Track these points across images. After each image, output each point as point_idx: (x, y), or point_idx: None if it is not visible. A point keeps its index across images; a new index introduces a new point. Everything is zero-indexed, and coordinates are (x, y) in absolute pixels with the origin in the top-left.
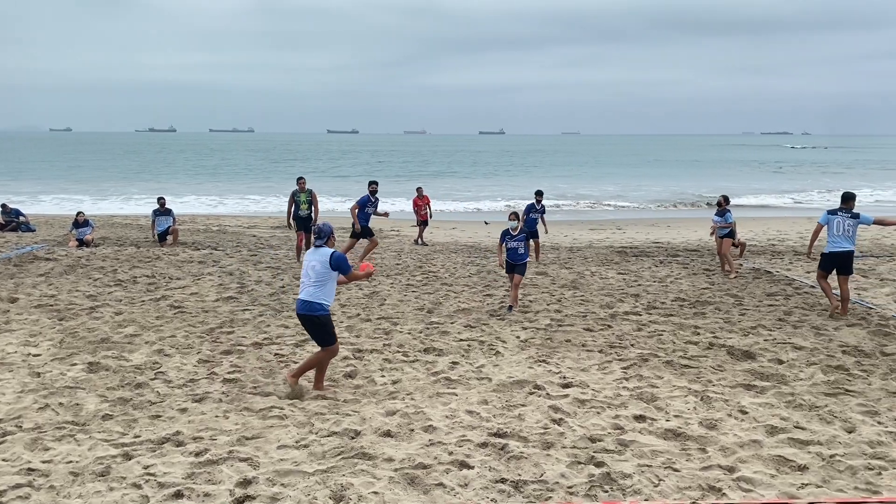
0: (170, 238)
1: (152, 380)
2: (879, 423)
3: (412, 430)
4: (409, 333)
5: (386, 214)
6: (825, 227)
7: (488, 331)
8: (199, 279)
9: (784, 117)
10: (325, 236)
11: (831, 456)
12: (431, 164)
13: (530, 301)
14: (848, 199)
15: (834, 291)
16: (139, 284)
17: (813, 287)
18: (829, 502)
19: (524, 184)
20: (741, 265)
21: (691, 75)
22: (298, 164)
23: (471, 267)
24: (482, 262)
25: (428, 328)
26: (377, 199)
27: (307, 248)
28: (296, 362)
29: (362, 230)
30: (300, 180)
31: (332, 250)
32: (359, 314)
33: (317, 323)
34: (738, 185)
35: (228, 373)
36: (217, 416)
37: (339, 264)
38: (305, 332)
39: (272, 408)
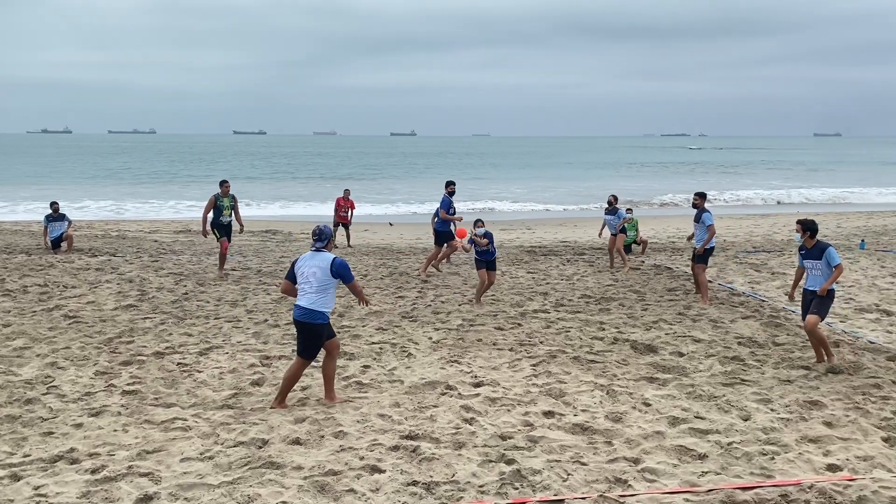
0: (64, 245)
1: (44, 395)
2: (772, 410)
3: (322, 436)
4: None
5: (460, 219)
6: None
7: (400, 333)
8: (96, 287)
9: (683, 119)
10: (326, 239)
11: (729, 444)
12: (343, 165)
13: (442, 302)
14: (700, 196)
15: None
16: (30, 294)
17: (710, 282)
18: (727, 488)
19: (437, 185)
20: (643, 262)
21: (595, 79)
22: (204, 167)
23: (382, 269)
24: (394, 264)
25: (339, 332)
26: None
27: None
28: (200, 371)
29: (441, 235)
30: (224, 184)
31: (334, 256)
32: (266, 319)
33: (314, 332)
34: (644, 185)
35: (128, 384)
36: (115, 431)
37: (340, 272)
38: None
39: (175, 419)
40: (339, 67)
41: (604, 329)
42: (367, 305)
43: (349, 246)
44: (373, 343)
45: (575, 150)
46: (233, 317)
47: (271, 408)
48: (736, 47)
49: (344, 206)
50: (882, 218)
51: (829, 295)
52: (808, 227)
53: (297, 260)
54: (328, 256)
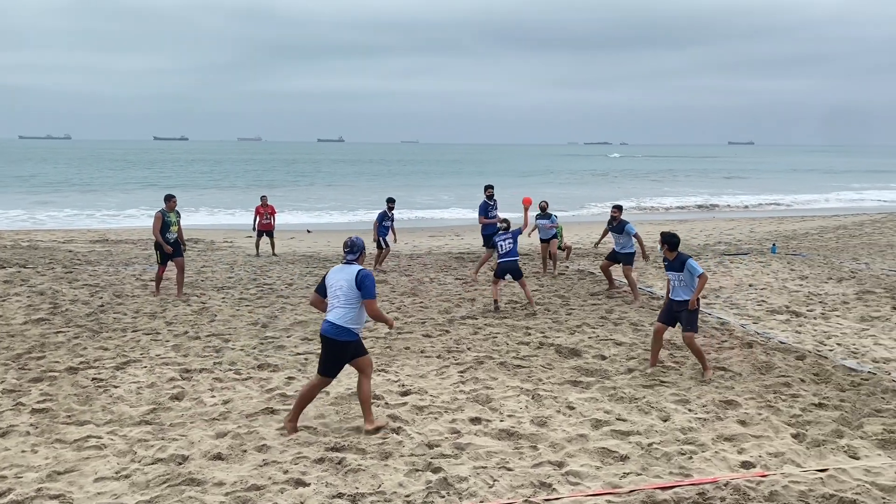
0: None
1: None
2: (690, 410)
3: (244, 450)
4: (242, 350)
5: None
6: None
7: None
8: (3, 300)
9: (605, 128)
10: (359, 251)
11: (649, 444)
12: (269, 172)
13: None
14: (618, 209)
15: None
16: None
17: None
18: (648, 488)
19: (365, 192)
20: (567, 267)
21: (521, 87)
22: (123, 174)
23: (309, 277)
24: (321, 272)
25: (262, 343)
26: (495, 202)
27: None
28: (116, 386)
29: (486, 239)
30: (171, 199)
31: (360, 267)
32: (187, 332)
33: (338, 349)
34: (568, 192)
35: (38, 402)
36: (24, 452)
37: (363, 282)
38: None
39: (88, 437)
40: (266, 72)
41: (530, 334)
42: (390, 328)
43: (274, 254)
44: (298, 354)
45: (502, 157)
46: (151, 329)
47: (281, 427)
48: (656, 58)
49: (264, 213)
50: (792, 223)
51: (697, 306)
52: (666, 239)
53: (327, 273)
54: (355, 268)
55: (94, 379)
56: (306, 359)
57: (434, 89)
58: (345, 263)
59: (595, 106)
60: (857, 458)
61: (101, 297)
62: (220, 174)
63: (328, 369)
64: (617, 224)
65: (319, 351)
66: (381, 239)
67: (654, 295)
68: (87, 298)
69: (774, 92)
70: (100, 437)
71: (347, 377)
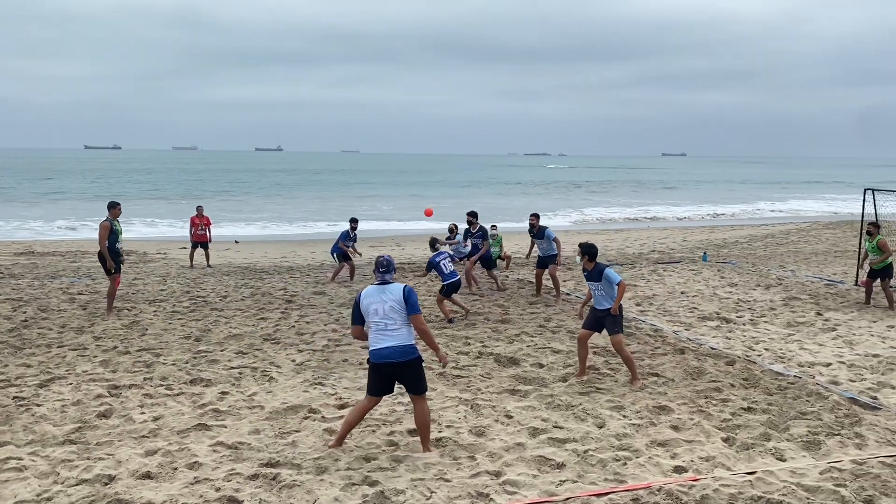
0: None
1: None
2: (625, 416)
3: (175, 468)
4: (174, 364)
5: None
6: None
7: (262, 356)
8: None
9: (544, 139)
10: (394, 270)
11: (585, 451)
12: (205, 181)
13: (307, 323)
14: (535, 216)
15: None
16: None
17: (568, 294)
18: (583, 496)
19: (303, 203)
20: (507, 277)
21: (462, 98)
22: (51, 183)
23: (244, 290)
24: (256, 283)
25: (195, 357)
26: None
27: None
28: (39, 405)
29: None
30: (116, 207)
31: (403, 284)
32: (116, 346)
33: (419, 365)
34: (508, 202)
35: None
36: None
37: (410, 297)
38: (381, 386)
39: (8, 459)
40: (203, 80)
41: (469, 344)
42: (441, 362)
43: (208, 266)
44: (232, 368)
45: (444, 167)
46: (78, 344)
47: (215, 443)
48: (594, 72)
49: (199, 224)
50: (722, 232)
51: (619, 311)
52: (585, 250)
53: (359, 298)
54: (399, 286)
55: (14, 398)
56: (240, 373)
57: (375, 99)
58: (381, 284)
59: (535, 117)
60: (784, 460)
61: (25, 312)
62: (154, 184)
63: (424, 385)
64: (537, 231)
65: (250, 365)
66: (336, 255)
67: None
68: (10, 313)
69: (706, 105)
70: (20, 459)
71: (283, 391)
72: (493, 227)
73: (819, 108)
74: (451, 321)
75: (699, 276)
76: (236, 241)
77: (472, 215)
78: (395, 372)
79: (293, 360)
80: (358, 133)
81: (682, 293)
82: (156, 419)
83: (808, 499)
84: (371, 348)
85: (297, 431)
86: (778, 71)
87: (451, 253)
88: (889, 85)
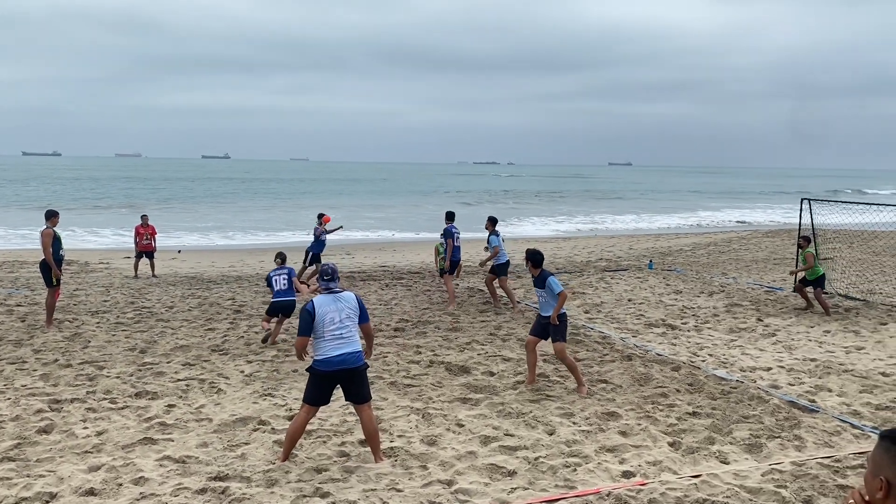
0: None
1: None
2: (574, 423)
3: (120, 484)
4: (119, 377)
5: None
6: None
7: (210, 368)
8: None
9: (493, 148)
10: (339, 277)
11: (536, 458)
12: (149, 189)
13: (256, 333)
14: (491, 221)
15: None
16: None
17: (519, 302)
18: (535, 502)
19: (252, 211)
20: (457, 285)
21: (413, 107)
22: None
23: (191, 300)
24: (204, 294)
25: (140, 370)
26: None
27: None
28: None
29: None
30: (55, 215)
31: (352, 292)
32: (57, 360)
33: (365, 373)
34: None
35: None
36: None
37: (364, 306)
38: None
39: None
40: (148, 86)
41: (420, 353)
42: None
43: (154, 276)
44: (178, 380)
45: (395, 175)
46: (17, 358)
47: (161, 458)
48: (543, 82)
49: (144, 234)
50: (667, 240)
51: (562, 319)
52: (529, 256)
53: (312, 309)
54: (351, 294)
55: None
56: (188, 385)
57: (325, 107)
58: (332, 292)
59: (484, 126)
60: (727, 463)
61: None
62: (96, 192)
63: (326, 398)
64: (489, 235)
65: (197, 377)
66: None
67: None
68: None
69: (651, 115)
70: None
71: (232, 402)
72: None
73: (760, 119)
74: (266, 340)
75: (645, 284)
76: (179, 251)
77: (492, 222)
78: (348, 377)
79: (242, 372)
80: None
81: (629, 300)
82: (99, 434)
83: (750, 500)
84: (324, 357)
85: (246, 444)
86: (721, 83)
87: (289, 271)
88: (827, 98)
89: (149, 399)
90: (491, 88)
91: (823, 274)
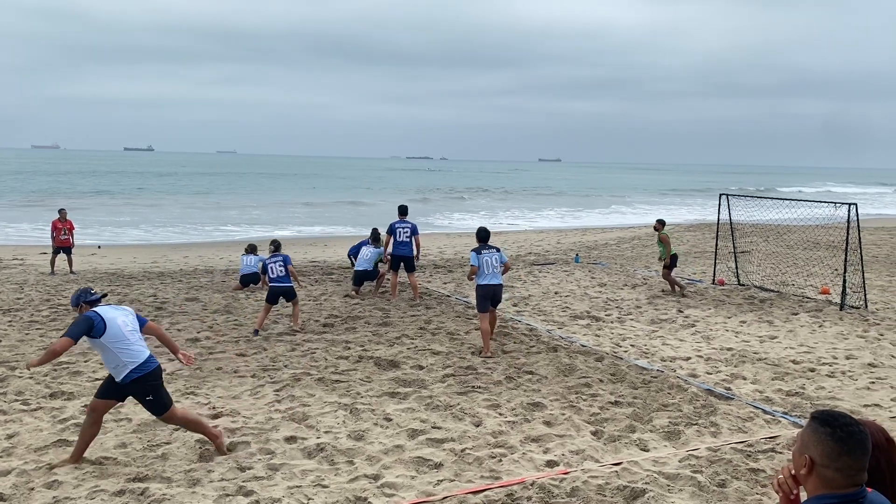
0: None
1: None
2: (500, 414)
3: (32, 489)
4: (32, 378)
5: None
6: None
7: None
8: None
9: (426, 143)
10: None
11: (462, 450)
12: (67, 182)
13: (178, 331)
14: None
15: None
16: None
17: (448, 296)
18: (460, 494)
19: (175, 205)
20: (388, 280)
21: (345, 100)
22: None
23: (111, 297)
24: (124, 290)
25: (55, 370)
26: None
27: None
28: None
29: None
30: None
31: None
32: None
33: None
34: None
35: None
36: None
37: (138, 315)
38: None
39: None
40: (68, 76)
41: (349, 348)
42: (186, 363)
43: (72, 272)
44: (97, 380)
45: (327, 170)
46: None
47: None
48: (475, 78)
49: (62, 229)
50: (594, 234)
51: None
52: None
53: (102, 317)
54: (129, 309)
55: None
56: None
57: (255, 99)
58: (112, 306)
59: (417, 121)
60: (647, 451)
61: None
62: (10, 185)
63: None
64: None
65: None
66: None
67: (469, 305)
68: None
69: (580, 112)
70: None
71: None
72: (375, 230)
73: (685, 117)
74: (256, 333)
75: (572, 277)
76: (99, 247)
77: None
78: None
79: (164, 370)
80: (235, 133)
81: (555, 293)
82: (10, 437)
83: (668, 486)
84: (138, 362)
85: (167, 443)
86: (648, 82)
87: (284, 257)
88: (749, 97)
89: (64, 400)
90: (423, 83)
91: (676, 255)
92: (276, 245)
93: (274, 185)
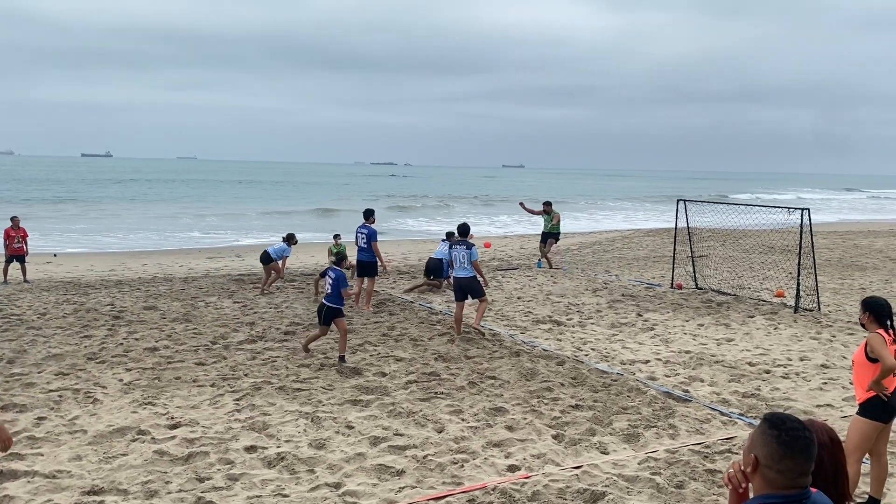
0: None
1: None
2: (463, 420)
3: None
4: None
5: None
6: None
7: (85, 377)
8: None
9: (390, 149)
10: None
11: (424, 457)
12: (21, 189)
13: (136, 339)
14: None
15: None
16: None
17: (412, 303)
18: (421, 501)
19: (135, 212)
20: (351, 286)
21: (309, 105)
22: None
23: (66, 306)
24: (81, 299)
25: (7, 381)
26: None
27: None
28: None
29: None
30: None
31: None
32: None
33: None
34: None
35: None
36: None
37: None
38: None
39: None
40: (20, 79)
41: (311, 356)
42: None
43: (25, 281)
44: (50, 391)
45: (289, 176)
46: None
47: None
48: (439, 84)
49: (15, 237)
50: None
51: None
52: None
53: None
54: None
55: None
56: (60, 396)
57: (216, 104)
58: None
59: (381, 127)
60: (607, 454)
61: None
62: None
63: None
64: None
65: (71, 387)
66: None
67: (433, 311)
68: None
69: (543, 119)
70: None
71: (109, 412)
72: (337, 235)
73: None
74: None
75: (534, 282)
76: (55, 255)
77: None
78: None
79: (121, 380)
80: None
81: (518, 298)
82: None
83: (627, 488)
84: None
85: (124, 455)
86: (610, 89)
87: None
88: (708, 103)
89: (16, 412)
90: (387, 88)
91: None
92: (338, 257)
93: (236, 193)
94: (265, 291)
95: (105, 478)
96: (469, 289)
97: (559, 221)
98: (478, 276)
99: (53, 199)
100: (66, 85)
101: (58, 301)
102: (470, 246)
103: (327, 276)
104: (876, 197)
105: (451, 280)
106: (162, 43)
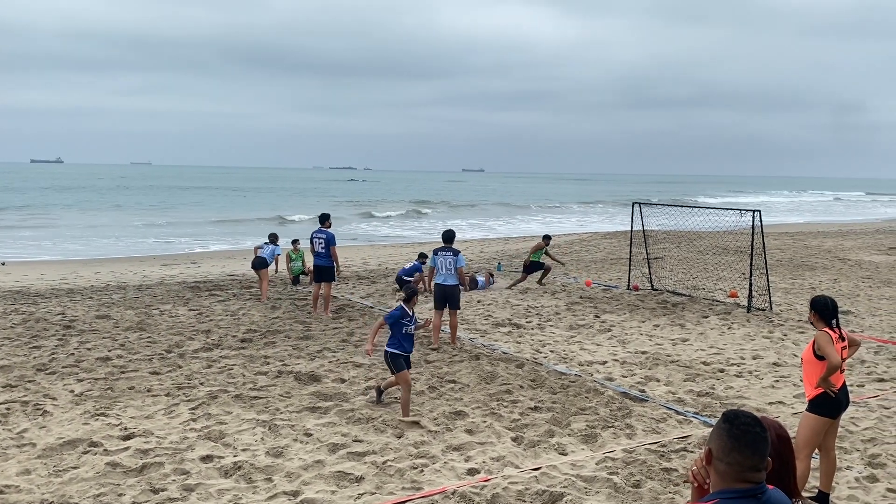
0: None
1: None
2: (423, 424)
3: None
4: None
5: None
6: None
7: (34, 389)
8: None
9: (349, 153)
10: None
11: (384, 462)
12: None
13: (88, 349)
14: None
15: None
16: None
17: (371, 308)
18: None
19: (86, 219)
20: (311, 292)
21: (267, 110)
22: None
23: (14, 316)
24: (30, 309)
25: None
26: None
27: None
28: None
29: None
30: None
31: None
32: None
33: None
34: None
35: None
36: None
37: None
38: None
39: None
40: None
41: (269, 363)
42: None
43: None
44: (11, 401)
45: (245, 182)
46: None
47: None
48: (398, 89)
49: None
50: (515, 243)
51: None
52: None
53: None
54: None
55: None
56: (8, 408)
57: (172, 108)
58: None
59: (340, 131)
60: (566, 454)
61: None
62: None
63: None
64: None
65: (20, 399)
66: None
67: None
68: None
69: (503, 124)
70: None
71: (59, 425)
72: (296, 240)
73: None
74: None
75: (494, 286)
76: (3, 263)
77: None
78: None
79: (72, 391)
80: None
81: (478, 301)
82: None
83: (585, 488)
84: None
85: (75, 468)
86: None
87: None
88: (664, 108)
89: None
90: (345, 93)
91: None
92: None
93: (190, 198)
94: (265, 299)
95: (55, 492)
96: (451, 298)
97: (539, 249)
98: (460, 284)
99: (1, 206)
100: (14, 89)
101: (5, 311)
102: (456, 252)
103: (403, 318)
104: (841, 199)
105: (432, 287)
106: (116, 47)
